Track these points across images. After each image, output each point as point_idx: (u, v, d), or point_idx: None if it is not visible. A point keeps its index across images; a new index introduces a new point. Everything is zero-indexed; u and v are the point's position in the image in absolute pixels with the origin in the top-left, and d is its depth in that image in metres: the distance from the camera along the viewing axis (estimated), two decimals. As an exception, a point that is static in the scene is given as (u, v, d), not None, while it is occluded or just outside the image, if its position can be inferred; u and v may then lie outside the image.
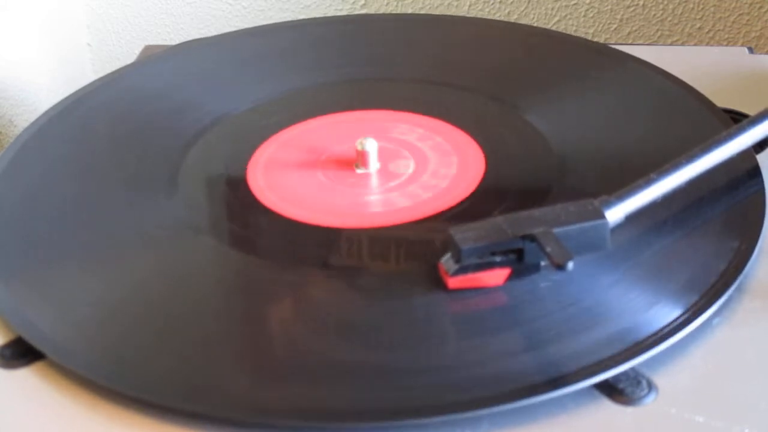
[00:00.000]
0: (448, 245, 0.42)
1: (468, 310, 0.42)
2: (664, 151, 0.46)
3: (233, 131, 0.55)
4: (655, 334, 0.39)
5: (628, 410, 0.37)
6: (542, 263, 0.42)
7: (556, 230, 0.41)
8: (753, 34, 0.80)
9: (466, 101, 0.56)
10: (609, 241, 0.42)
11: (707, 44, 0.80)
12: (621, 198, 0.43)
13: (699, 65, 0.59)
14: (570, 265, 0.39)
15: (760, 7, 0.79)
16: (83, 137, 0.54)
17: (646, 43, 0.81)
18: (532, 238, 0.41)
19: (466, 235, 0.41)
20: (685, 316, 0.40)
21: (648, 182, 0.44)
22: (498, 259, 0.42)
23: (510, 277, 0.42)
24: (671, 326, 0.40)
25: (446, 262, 0.42)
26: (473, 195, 0.48)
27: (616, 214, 0.42)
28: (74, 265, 0.45)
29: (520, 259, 0.42)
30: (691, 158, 0.45)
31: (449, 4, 0.82)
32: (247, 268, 0.45)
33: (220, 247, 0.46)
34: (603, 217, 0.42)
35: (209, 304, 0.43)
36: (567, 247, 0.40)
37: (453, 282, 0.42)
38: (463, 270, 0.42)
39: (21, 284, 0.44)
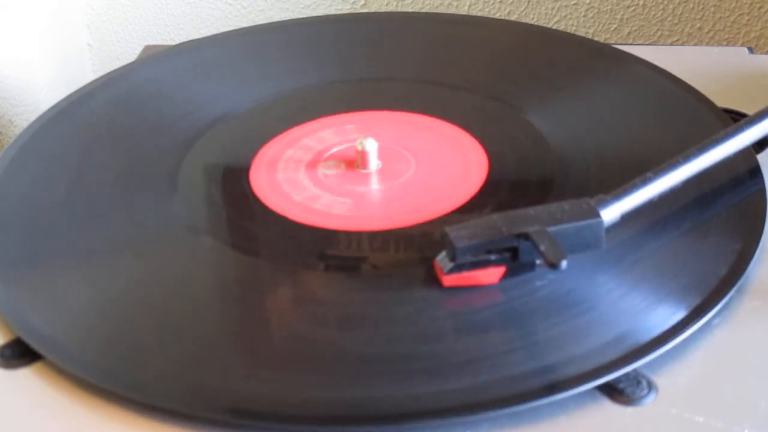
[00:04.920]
0: (444, 243, 0.42)
1: (465, 308, 0.42)
2: (664, 151, 0.46)
3: (233, 131, 0.55)
4: (657, 336, 0.39)
5: (628, 410, 0.37)
6: (537, 262, 0.42)
7: (551, 229, 0.41)
8: (753, 34, 0.80)
9: (466, 101, 0.56)
10: (604, 240, 0.42)
11: (707, 44, 0.80)
12: (617, 197, 0.43)
13: (699, 65, 0.59)
14: (563, 264, 0.39)
15: (760, 7, 0.79)
16: (83, 137, 0.54)
17: (646, 43, 0.81)
18: (526, 237, 0.41)
19: (461, 233, 0.41)
20: (687, 318, 0.40)
21: (644, 181, 0.44)
22: (493, 257, 0.42)
23: (505, 276, 0.42)
24: (672, 328, 0.40)
25: (441, 260, 0.42)
26: (477, 195, 0.48)
27: (611, 213, 0.42)
28: (74, 265, 0.45)
29: (515, 258, 0.42)
30: (688, 157, 0.45)
31: (449, 3, 0.82)
32: (247, 269, 0.45)
33: (220, 247, 0.46)
34: (598, 216, 0.42)
35: (210, 304, 0.43)
36: (561, 246, 0.40)
37: (448, 280, 0.42)
38: (458, 268, 0.42)
39: (21, 284, 0.44)
